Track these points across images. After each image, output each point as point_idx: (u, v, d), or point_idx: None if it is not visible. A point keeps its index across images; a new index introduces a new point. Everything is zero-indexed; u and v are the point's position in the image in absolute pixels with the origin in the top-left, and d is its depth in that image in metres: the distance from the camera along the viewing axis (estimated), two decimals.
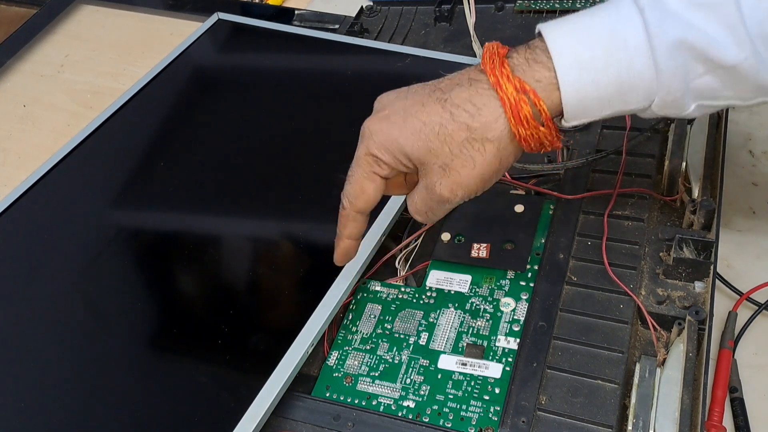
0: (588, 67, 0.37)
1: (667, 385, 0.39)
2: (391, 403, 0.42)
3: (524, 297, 0.46)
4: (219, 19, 0.73)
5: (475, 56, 0.62)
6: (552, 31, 0.38)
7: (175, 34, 0.81)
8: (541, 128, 0.38)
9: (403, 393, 0.43)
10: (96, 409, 0.44)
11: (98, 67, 0.80)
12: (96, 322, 0.50)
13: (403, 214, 0.52)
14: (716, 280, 0.46)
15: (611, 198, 0.49)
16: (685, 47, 0.36)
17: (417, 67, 0.62)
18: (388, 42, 0.69)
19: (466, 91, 0.38)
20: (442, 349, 0.44)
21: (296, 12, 0.76)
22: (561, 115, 0.38)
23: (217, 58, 0.71)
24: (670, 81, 0.36)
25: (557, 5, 0.67)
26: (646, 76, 0.36)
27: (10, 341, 0.48)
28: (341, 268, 0.47)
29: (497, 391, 0.41)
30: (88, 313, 0.50)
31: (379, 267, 0.50)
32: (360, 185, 0.41)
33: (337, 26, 0.72)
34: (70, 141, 0.63)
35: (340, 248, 0.43)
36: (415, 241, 0.50)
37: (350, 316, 0.47)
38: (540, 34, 0.38)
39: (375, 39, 0.70)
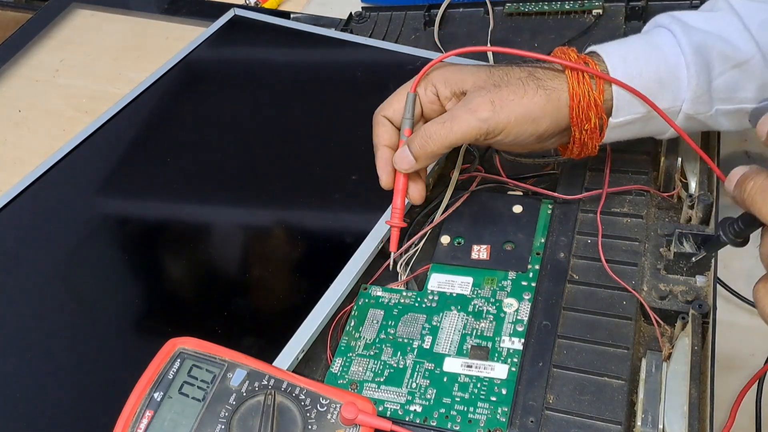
0: (633, 62, 0.44)
1: (674, 380, 0.39)
2: (398, 408, 0.42)
3: (527, 297, 0.46)
4: (235, 15, 0.75)
5: (488, 60, 0.63)
6: (599, 46, 0.45)
7: (171, 39, 0.81)
8: (593, 92, 0.43)
9: (410, 397, 0.42)
10: (86, 401, 0.45)
11: (94, 72, 0.80)
12: (96, 324, 0.50)
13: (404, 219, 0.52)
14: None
15: (608, 197, 0.49)
16: (706, 47, 0.43)
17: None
18: None
19: (535, 63, 0.45)
20: (446, 352, 0.44)
21: (292, 15, 0.77)
22: (609, 113, 0.44)
23: (219, 58, 0.72)
24: (698, 75, 0.43)
25: (545, 7, 0.68)
26: (679, 72, 0.43)
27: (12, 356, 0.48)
28: (339, 270, 0.47)
29: (504, 391, 0.41)
30: (87, 314, 0.51)
31: (380, 273, 0.50)
32: (397, 94, 0.47)
33: (332, 30, 0.72)
34: (66, 144, 0.63)
35: (377, 158, 0.47)
36: (416, 245, 0.50)
37: (352, 323, 0.47)
38: (590, 51, 0.46)
39: None
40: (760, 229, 0.35)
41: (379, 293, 0.48)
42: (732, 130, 0.48)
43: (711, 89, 0.44)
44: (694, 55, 0.43)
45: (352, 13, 0.74)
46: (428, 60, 0.47)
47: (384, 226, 0.50)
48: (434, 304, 0.47)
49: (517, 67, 0.45)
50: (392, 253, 0.48)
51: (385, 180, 0.47)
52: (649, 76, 0.43)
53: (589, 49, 0.46)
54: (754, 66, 0.43)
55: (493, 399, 0.41)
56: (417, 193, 0.48)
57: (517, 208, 0.51)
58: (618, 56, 0.44)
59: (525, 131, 0.44)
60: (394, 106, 0.47)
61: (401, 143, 0.46)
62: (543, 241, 0.48)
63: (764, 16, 0.44)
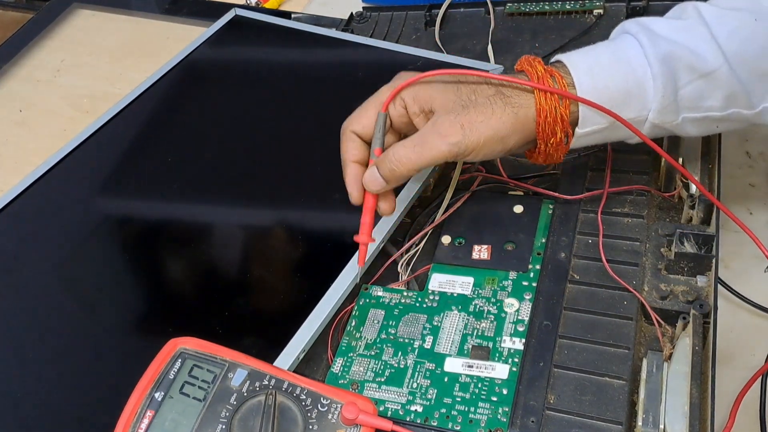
0: (599, 74, 0.43)
1: (675, 380, 0.39)
2: (399, 408, 0.42)
3: (527, 297, 0.46)
4: (236, 15, 0.75)
5: (489, 61, 0.63)
6: (565, 55, 0.45)
7: (172, 39, 0.81)
8: (559, 108, 0.43)
9: (410, 397, 0.42)
10: (86, 401, 0.45)
11: (95, 72, 0.80)
12: (97, 324, 0.50)
13: (404, 219, 0.52)
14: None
15: (609, 197, 0.49)
16: (673, 58, 0.43)
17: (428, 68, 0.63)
18: None
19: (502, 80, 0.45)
20: (447, 352, 0.44)
21: (292, 15, 0.77)
22: (575, 124, 0.44)
23: (220, 58, 0.72)
24: (664, 86, 0.43)
25: (546, 7, 0.68)
26: (645, 83, 0.43)
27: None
28: (339, 270, 0.47)
29: (505, 392, 0.41)
30: (88, 314, 0.51)
31: (381, 272, 0.50)
32: (365, 108, 0.46)
33: (333, 30, 0.73)
34: (67, 145, 0.63)
35: (345, 174, 0.47)
36: (416, 245, 0.50)
37: (353, 323, 0.47)
38: (556, 60, 0.45)
39: None
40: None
41: (380, 293, 0.48)
42: (698, 136, 0.48)
43: (677, 99, 0.44)
44: (661, 66, 0.43)
45: (353, 13, 0.74)
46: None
47: (385, 227, 0.50)
48: (435, 304, 0.47)
49: (485, 83, 0.44)
50: (359, 268, 0.47)
51: (356, 196, 0.47)
52: (616, 87, 0.43)
53: (556, 57, 0.45)
54: (721, 76, 0.43)
55: (494, 399, 0.41)
56: (386, 206, 0.47)
57: (518, 208, 0.51)
58: (584, 69, 0.44)
59: (494, 149, 0.44)
60: (363, 122, 0.46)
61: (371, 162, 0.45)
62: (544, 241, 0.48)
63: (732, 25, 0.43)
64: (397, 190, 0.51)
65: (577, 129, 0.44)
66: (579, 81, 0.43)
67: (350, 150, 0.46)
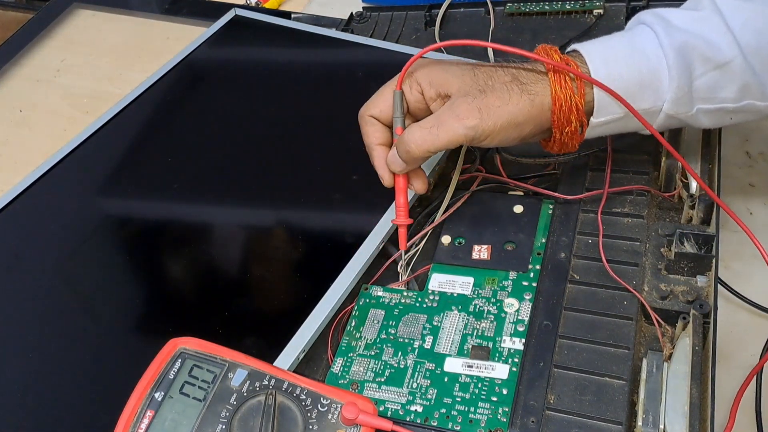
0: (615, 64, 0.43)
1: (675, 380, 0.39)
2: (399, 408, 0.42)
3: (527, 297, 0.46)
4: (236, 15, 0.75)
5: (489, 61, 0.63)
6: (581, 45, 0.45)
7: (172, 39, 0.81)
8: (575, 97, 0.43)
9: (410, 398, 0.42)
10: (87, 400, 0.45)
11: (95, 72, 0.80)
12: (97, 324, 0.50)
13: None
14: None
15: (609, 197, 0.49)
16: (688, 48, 0.43)
17: None
18: None
19: (519, 65, 0.45)
20: (447, 352, 0.44)
21: (292, 15, 0.77)
22: (590, 114, 0.44)
23: (220, 58, 0.72)
24: (679, 77, 0.43)
25: (546, 7, 0.68)
26: (660, 74, 0.43)
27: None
28: (340, 270, 0.48)
29: (505, 392, 0.41)
30: (88, 314, 0.51)
31: (381, 273, 0.50)
32: (381, 92, 0.47)
33: (333, 30, 0.73)
34: (67, 145, 0.63)
35: (373, 157, 0.48)
36: (416, 245, 0.50)
37: (353, 323, 0.47)
38: (572, 50, 0.45)
39: None
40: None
41: (380, 293, 0.48)
42: (711, 128, 0.48)
43: (692, 90, 0.44)
44: (676, 57, 0.43)
45: (353, 13, 0.74)
46: (411, 56, 0.46)
47: (385, 226, 0.50)
48: (435, 304, 0.47)
49: (501, 69, 0.45)
50: (402, 252, 0.48)
51: (387, 179, 0.47)
52: (631, 78, 0.43)
53: (571, 47, 0.46)
54: (736, 67, 0.43)
55: (494, 399, 0.41)
56: (419, 184, 0.48)
57: (518, 208, 0.51)
58: (600, 58, 0.44)
59: (509, 136, 0.44)
60: (380, 106, 0.47)
61: (395, 141, 0.46)
62: (544, 241, 0.48)
63: (747, 16, 0.43)
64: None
65: (592, 118, 0.44)
66: (594, 70, 0.43)
67: (371, 134, 0.47)
